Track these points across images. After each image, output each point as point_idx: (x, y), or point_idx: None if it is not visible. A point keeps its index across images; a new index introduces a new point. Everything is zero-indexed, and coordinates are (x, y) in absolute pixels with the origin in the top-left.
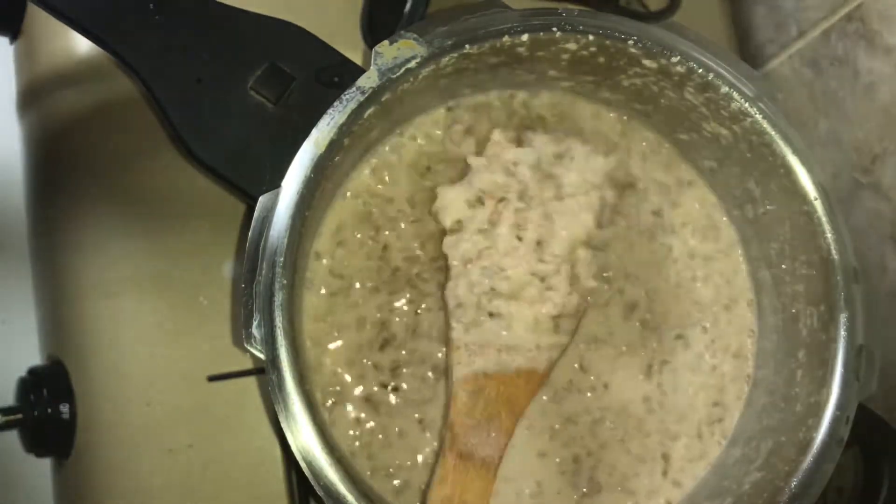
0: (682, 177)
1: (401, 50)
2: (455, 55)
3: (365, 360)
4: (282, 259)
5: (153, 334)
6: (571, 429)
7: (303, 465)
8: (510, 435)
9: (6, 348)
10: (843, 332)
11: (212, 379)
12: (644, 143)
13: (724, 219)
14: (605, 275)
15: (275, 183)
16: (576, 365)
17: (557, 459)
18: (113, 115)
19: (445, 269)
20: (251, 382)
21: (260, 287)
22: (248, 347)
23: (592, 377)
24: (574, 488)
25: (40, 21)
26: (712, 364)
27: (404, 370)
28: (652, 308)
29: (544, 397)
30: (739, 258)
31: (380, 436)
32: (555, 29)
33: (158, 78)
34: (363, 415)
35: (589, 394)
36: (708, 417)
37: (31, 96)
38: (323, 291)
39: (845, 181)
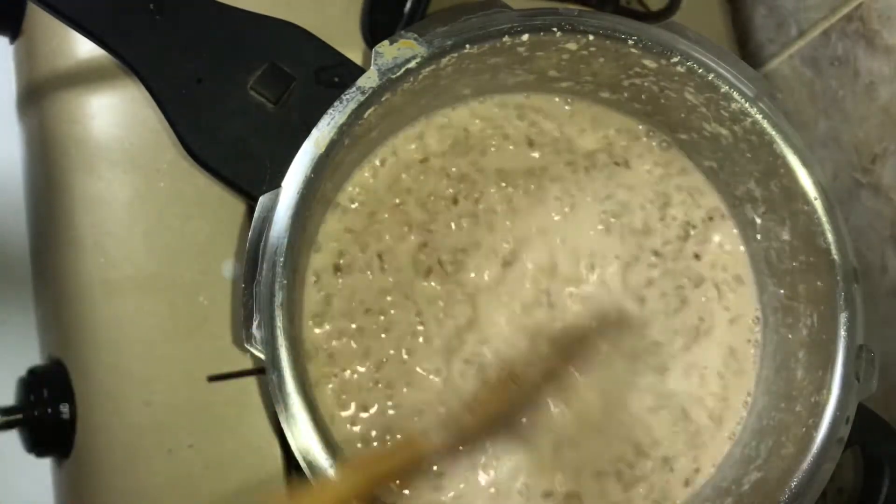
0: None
1: (401, 50)
2: (455, 55)
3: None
4: (282, 259)
5: (153, 334)
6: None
7: (303, 465)
8: None
9: (6, 348)
10: (843, 332)
11: (212, 379)
12: (644, 144)
13: (724, 208)
14: None
15: (275, 183)
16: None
17: None
18: (113, 115)
19: None
20: (251, 382)
21: (260, 287)
22: (248, 347)
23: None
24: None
25: (40, 21)
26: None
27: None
28: None
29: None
30: (747, 263)
31: None
32: (555, 29)
33: (158, 78)
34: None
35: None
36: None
37: (31, 96)
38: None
39: (845, 181)
